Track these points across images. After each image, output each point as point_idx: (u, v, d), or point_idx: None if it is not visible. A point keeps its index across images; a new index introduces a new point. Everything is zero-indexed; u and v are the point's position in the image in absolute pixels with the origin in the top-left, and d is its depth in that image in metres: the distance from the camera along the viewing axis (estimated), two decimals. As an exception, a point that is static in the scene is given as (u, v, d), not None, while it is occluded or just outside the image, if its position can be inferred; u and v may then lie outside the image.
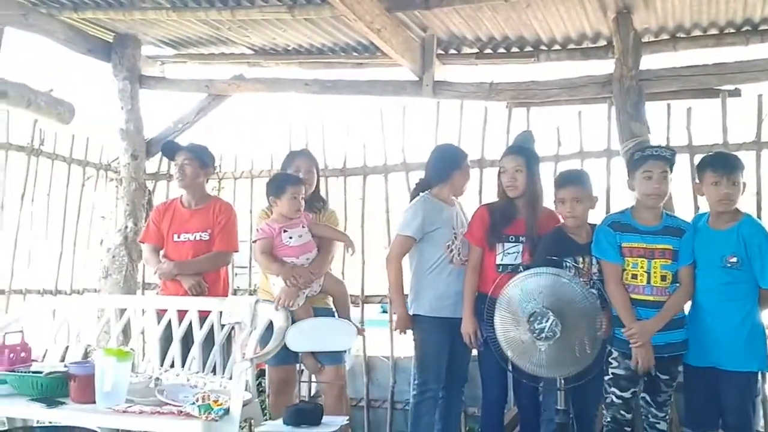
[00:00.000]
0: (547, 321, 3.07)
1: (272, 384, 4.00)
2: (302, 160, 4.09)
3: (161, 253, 4.31)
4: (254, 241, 3.87)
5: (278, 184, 3.82)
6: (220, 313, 3.77)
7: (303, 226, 3.81)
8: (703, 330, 3.32)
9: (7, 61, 4.96)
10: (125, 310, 4.04)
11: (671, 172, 3.43)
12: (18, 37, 5.17)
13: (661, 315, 3.32)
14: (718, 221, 3.36)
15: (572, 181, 3.60)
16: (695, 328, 3.36)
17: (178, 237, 4.22)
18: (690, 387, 3.42)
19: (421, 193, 3.96)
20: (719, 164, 3.34)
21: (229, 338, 3.89)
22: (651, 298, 3.35)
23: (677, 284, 3.37)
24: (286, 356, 3.66)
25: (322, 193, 4.55)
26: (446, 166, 3.93)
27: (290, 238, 3.75)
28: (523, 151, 3.80)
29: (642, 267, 3.36)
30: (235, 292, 5.38)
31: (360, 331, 4.11)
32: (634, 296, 3.37)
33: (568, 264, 3.37)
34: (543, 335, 3.09)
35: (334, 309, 3.96)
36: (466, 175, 4.03)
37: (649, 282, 3.36)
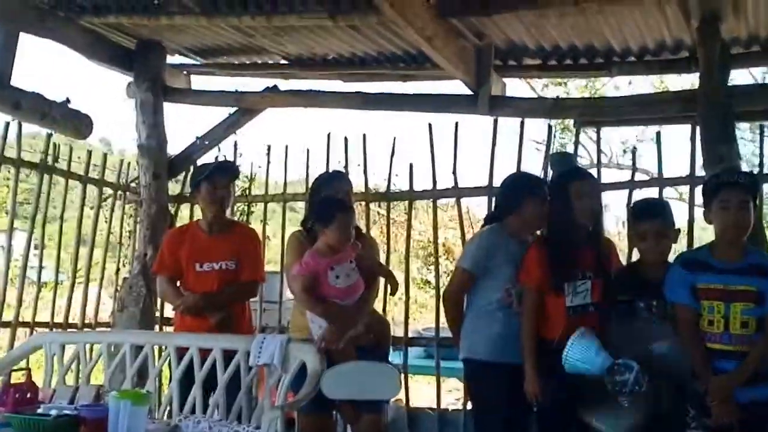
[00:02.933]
0: (630, 373, 3.02)
1: (304, 435, 3.95)
2: (342, 184, 4.03)
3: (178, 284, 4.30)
4: (294, 275, 3.71)
5: (327, 211, 3.70)
6: (247, 353, 3.75)
7: (351, 261, 3.71)
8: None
9: (21, 70, 5.06)
10: (142, 347, 4.05)
11: (756, 201, 3.32)
12: (33, 44, 5.29)
13: (742, 369, 3.16)
14: None
15: (656, 213, 3.51)
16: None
17: (201, 266, 4.16)
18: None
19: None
20: None
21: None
22: (729, 347, 3.20)
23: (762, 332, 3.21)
24: (322, 403, 3.59)
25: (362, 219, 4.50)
26: (516, 194, 3.81)
27: (337, 277, 3.65)
28: (590, 173, 3.77)
29: (719, 311, 3.21)
30: (263, 330, 5.37)
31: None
32: (710, 345, 3.22)
33: (640, 306, 3.30)
34: (626, 389, 3.03)
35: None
36: (540, 204, 3.82)
37: (726, 329, 3.21)
